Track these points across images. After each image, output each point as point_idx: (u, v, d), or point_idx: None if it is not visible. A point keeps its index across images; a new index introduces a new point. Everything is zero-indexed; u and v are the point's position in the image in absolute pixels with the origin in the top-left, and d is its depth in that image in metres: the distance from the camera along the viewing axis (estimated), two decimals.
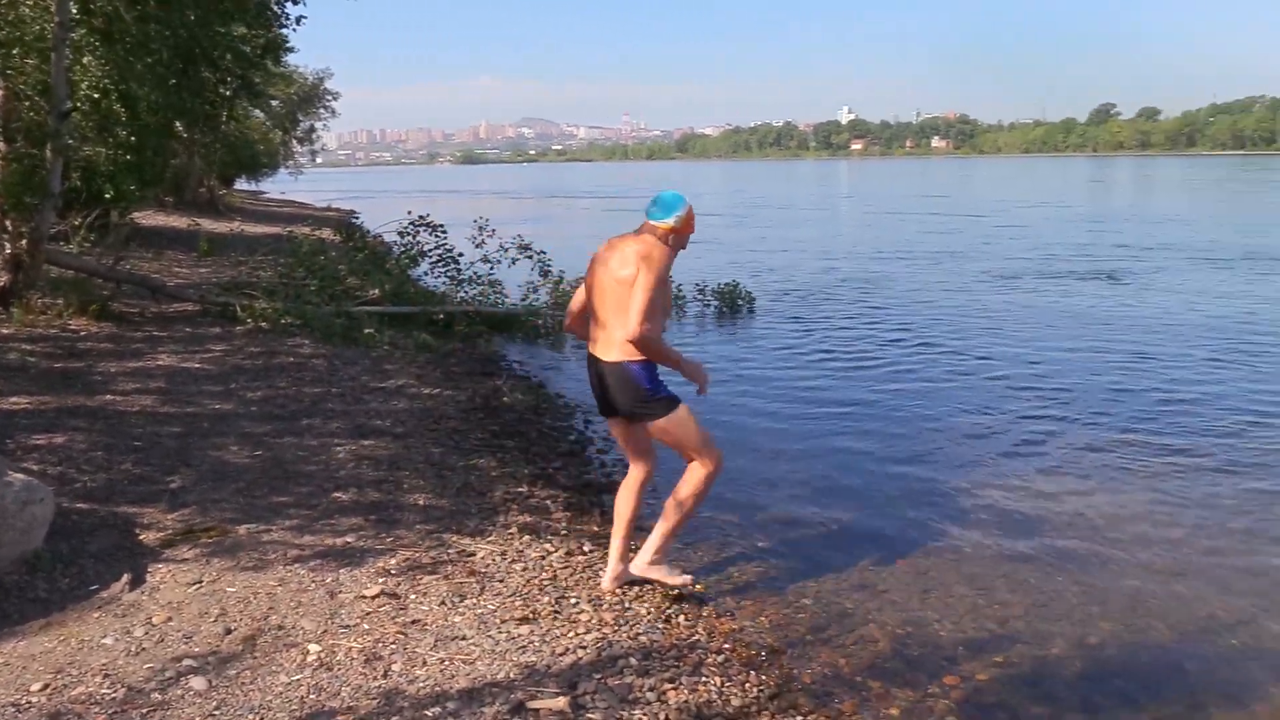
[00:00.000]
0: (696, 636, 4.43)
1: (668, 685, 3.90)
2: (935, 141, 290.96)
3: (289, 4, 15.92)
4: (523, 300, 13.28)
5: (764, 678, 4.14)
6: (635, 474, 4.85)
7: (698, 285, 14.68)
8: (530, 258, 13.71)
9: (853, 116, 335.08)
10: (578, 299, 4.79)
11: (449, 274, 13.30)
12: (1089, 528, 5.94)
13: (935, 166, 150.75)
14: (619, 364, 4.45)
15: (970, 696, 4.12)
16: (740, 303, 14.30)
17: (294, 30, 17.91)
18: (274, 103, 40.23)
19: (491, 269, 13.38)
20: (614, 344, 4.43)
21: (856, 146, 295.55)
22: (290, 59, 35.10)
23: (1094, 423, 8.16)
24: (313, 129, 48.25)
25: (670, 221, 4.49)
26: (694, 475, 4.66)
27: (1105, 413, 8.45)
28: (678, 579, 4.84)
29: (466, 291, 13.03)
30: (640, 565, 4.83)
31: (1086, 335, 12.16)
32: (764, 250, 23.98)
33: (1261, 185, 61.41)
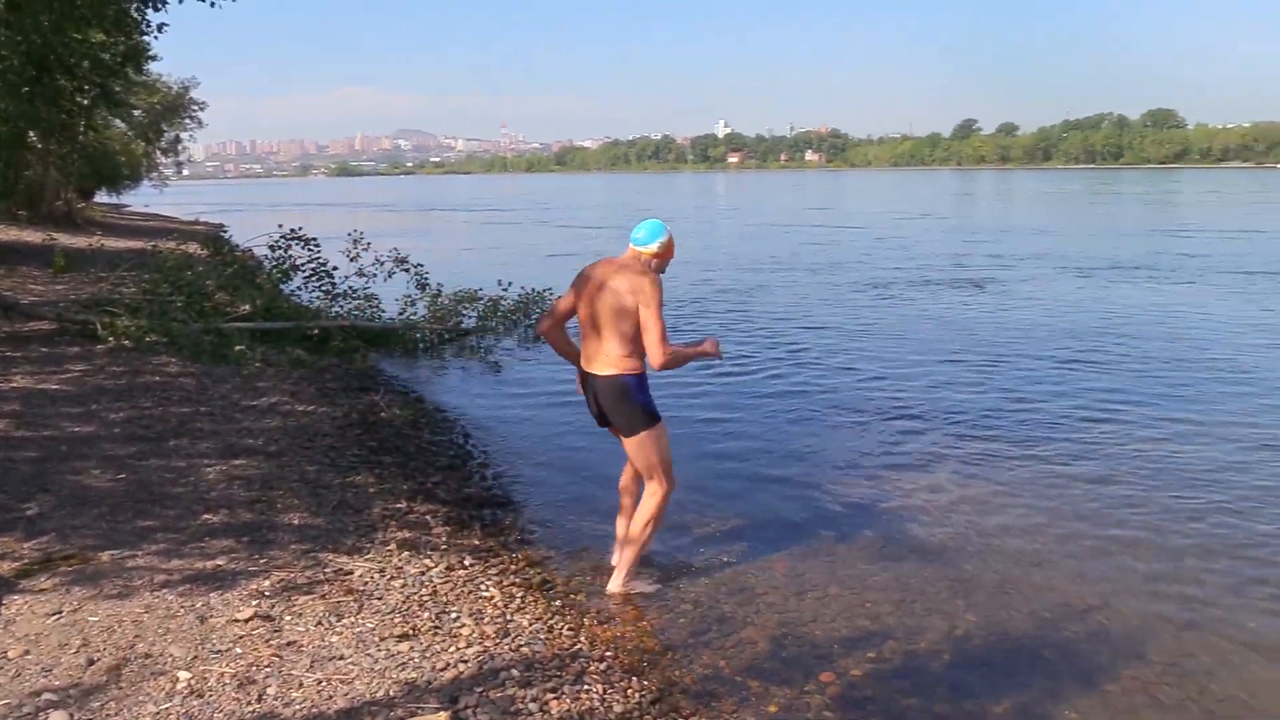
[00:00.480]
0: (579, 645, 4.45)
1: (550, 695, 3.91)
2: (809, 155, 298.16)
3: (150, 10, 15.43)
4: (400, 314, 13.09)
5: (646, 683, 4.19)
6: (634, 470, 5.34)
7: None
8: (407, 271, 13.52)
9: (729, 130, 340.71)
10: (560, 306, 5.12)
11: (323, 288, 13.02)
12: (954, 523, 6.18)
13: (810, 179, 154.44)
14: (614, 377, 4.88)
15: (845, 692, 4.25)
16: None
17: (156, 38, 17.36)
18: (136, 112, 38.76)
19: (367, 283, 13.15)
20: (609, 360, 4.86)
21: (733, 160, 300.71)
22: (153, 67, 33.87)
23: (956, 423, 8.50)
24: (178, 140, 46.61)
25: (654, 247, 4.99)
26: (650, 501, 5.11)
27: (966, 413, 8.81)
28: (651, 587, 5.24)
29: (342, 306, 12.77)
30: (617, 586, 5.18)
31: (951, 341, 12.64)
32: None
33: (1113, 198, 64.96)
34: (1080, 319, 14.31)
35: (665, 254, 5.04)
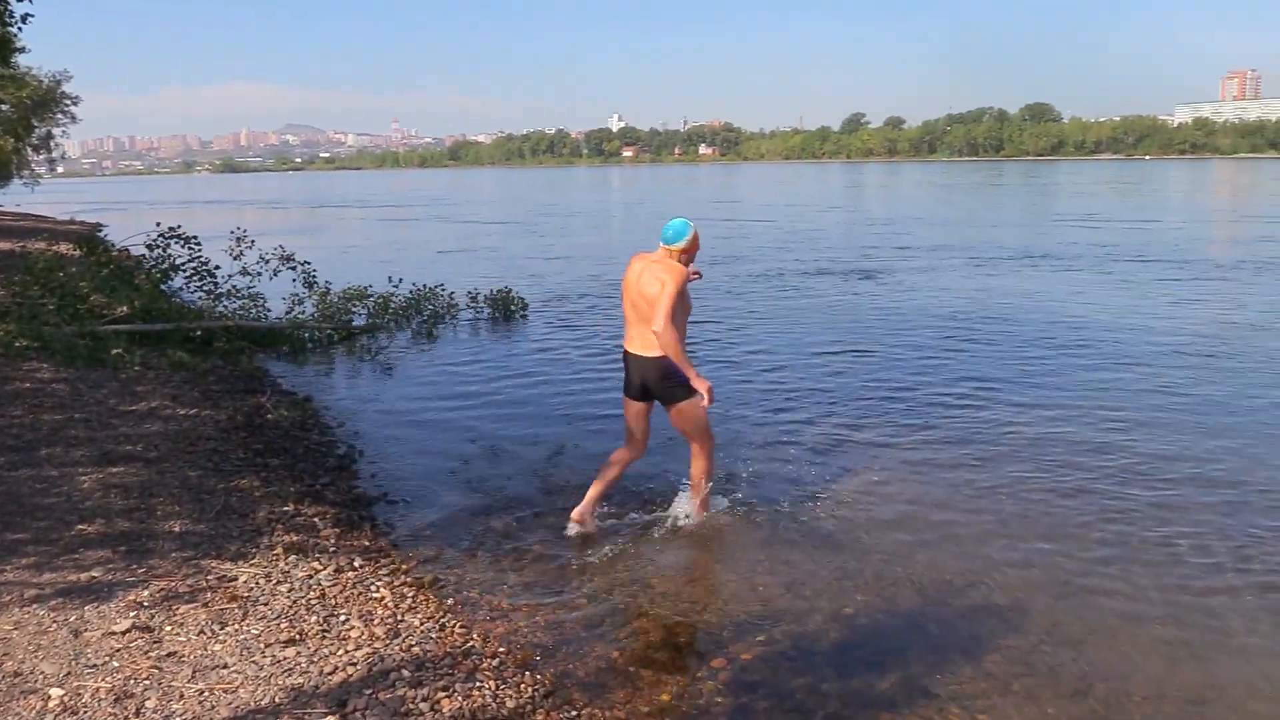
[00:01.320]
0: (471, 643, 4.42)
1: (441, 694, 3.87)
2: (702, 149, 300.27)
3: (15, 1, 14.71)
4: (287, 314, 12.77)
5: (539, 677, 4.19)
6: (627, 454, 6.06)
7: (470, 293, 14.56)
8: (294, 269, 13.20)
9: (623, 124, 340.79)
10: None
11: (205, 288, 12.61)
12: (841, 508, 6.32)
13: (704, 172, 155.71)
14: (657, 358, 5.68)
15: (736, 676, 4.31)
16: (513, 309, 14.31)
17: (20, 29, 16.55)
18: (3, 107, 36.93)
19: (252, 282, 12.79)
20: (651, 343, 5.65)
21: (628, 154, 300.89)
22: (22, 60, 32.32)
23: (842, 410, 8.68)
24: (50, 135, 44.60)
25: (681, 244, 5.74)
26: (700, 460, 5.99)
27: (852, 400, 9.02)
28: (725, 505, 6.29)
29: (226, 306, 12.40)
30: (695, 518, 6.04)
31: (841, 329, 12.90)
32: (550, 256, 24.02)
33: (997, 189, 67.13)
34: (964, 306, 14.75)
35: (691, 248, 5.78)
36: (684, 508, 6.12)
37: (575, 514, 5.96)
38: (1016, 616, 4.84)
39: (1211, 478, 6.76)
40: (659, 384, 5.78)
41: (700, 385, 5.64)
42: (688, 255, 5.78)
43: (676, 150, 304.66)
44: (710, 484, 6.14)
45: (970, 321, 13.34)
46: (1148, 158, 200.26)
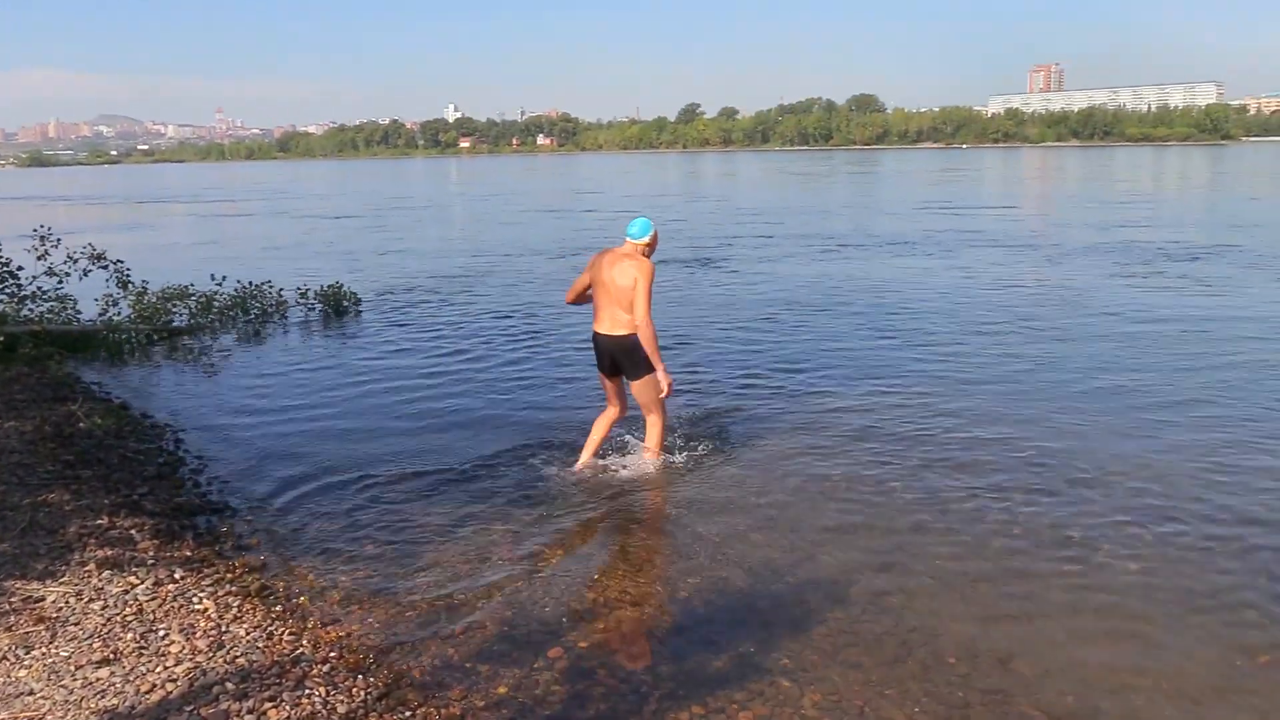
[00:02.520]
0: (300, 650, 4.29)
1: (268, 705, 3.75)
2: (540, 139, 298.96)
3: None
4: (101, 316, 12.05)
5: (372, 680, 4.10)
6: (611, 413, 7.01)
7: (299, 289, 14.09)
8: (106, 269, 12.46)
9: (460, 114, 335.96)
10: (578, 285, 6.86)
11: (7, 291, 11.76)
12: (675, 495, 6.45)
13: (543, 163, 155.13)
14: (626, 336, 6.54)
15: (573, 664, 4.33)
16: (345, 304, 13.92)
17: None
18: None
19: (60, 284, 12.01)
20: (621, 324, 6.54)
21: (465, 145, 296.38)
22: None
23: (673, 399, 8.83)
24: None
25: (646, 239, 6.61)
26: (654, 429, 6.90)
27: (683, 389, 9.18)
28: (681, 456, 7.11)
29: (31, 309, 11.60)
30: (656, 464, 6.90)
31: (677, 318, 13.11)
32: (386, 251, 23.40)
33: (830, 177, 69.42)
34: (801, 292, 15.22)
35: (653, 243, 6.66)
36: (641, 468, 6.88)
37: (576, 469, 6.85)
38: (841, 590, 5.04)
39: (1024, 455, 7.15)
40: (625, 359, 6.63)
41: (663, 378, 6.56)
42: (650, 249, 6.65)
43: (514, 141, 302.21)
44: (663, 449, 7.03)
45: (807, 307, 13.77)
46: (965, 146, 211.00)
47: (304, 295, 13.98)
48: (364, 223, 33.76)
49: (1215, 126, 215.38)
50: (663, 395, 6.64)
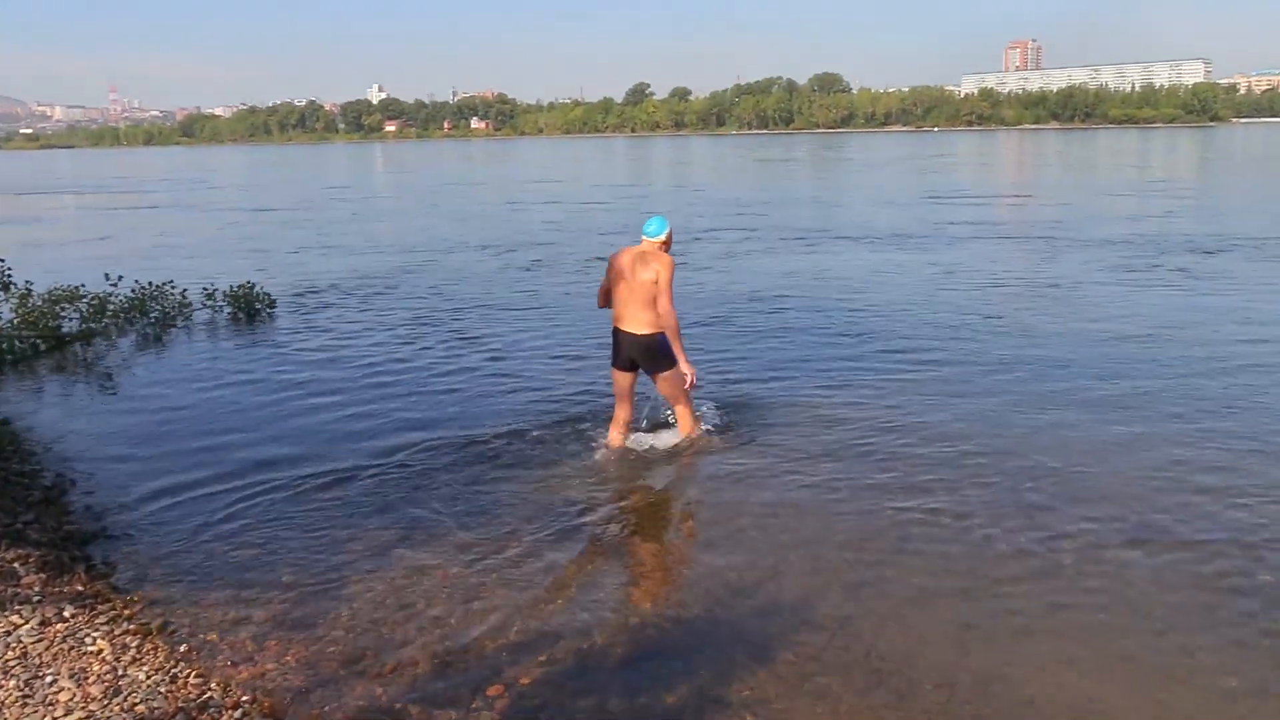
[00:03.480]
0: (209, 693, 4.22)
1: None
2: (475, 123, 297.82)
3: None
4: None
5: None
6: (622, 416, 7.67)
7: (206, 289, 13.87)
8: None
9: (385, 95, 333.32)
10: (604, 285, 7.52)
11: None
12: (620, 513, 6.46)
13: (478, 149, 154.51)
14: (652, 335, 7.26)
15: (515, 703, 4.30)
16: (257, 306, 13.75)
17: None
18: None
19: None
20: (644, 322, 7.25)
21: (390, 128, 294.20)
22: None
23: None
24: None
25: (663, 237, 7.33)
26: (684, 418, 7.71)
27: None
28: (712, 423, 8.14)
29: None
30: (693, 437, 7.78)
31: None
32: (303, 247, 23.16)
33: (797, 164, 69.98)
34: (768, 289, 15.33)
35: (669, 240, 7.40)
36: (682, 444, 7.70)
37: (608, 451, 7.60)
38: (808, 614, 5.06)
39: (1007, 470, 7.25)
40: (646, 359, 7.36)
41: (686, 369, 7.26)
42: (667, 246, 7.37)
43: (446, 124, 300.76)
44: (698, 430, 7.85)
45: (772, 306, 13.86)
46: (936, 129, 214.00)
47: (210, 296, 13.78)
48: (280, 216, 33.38)
49: (1203, 107, 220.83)
50: (686, 388, 7.40)
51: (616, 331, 7.46)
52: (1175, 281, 15.26)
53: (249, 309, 13.65)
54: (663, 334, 7.25)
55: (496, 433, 8.07)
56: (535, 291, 15.64)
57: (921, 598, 5.23)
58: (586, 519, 6.32)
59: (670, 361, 7.30)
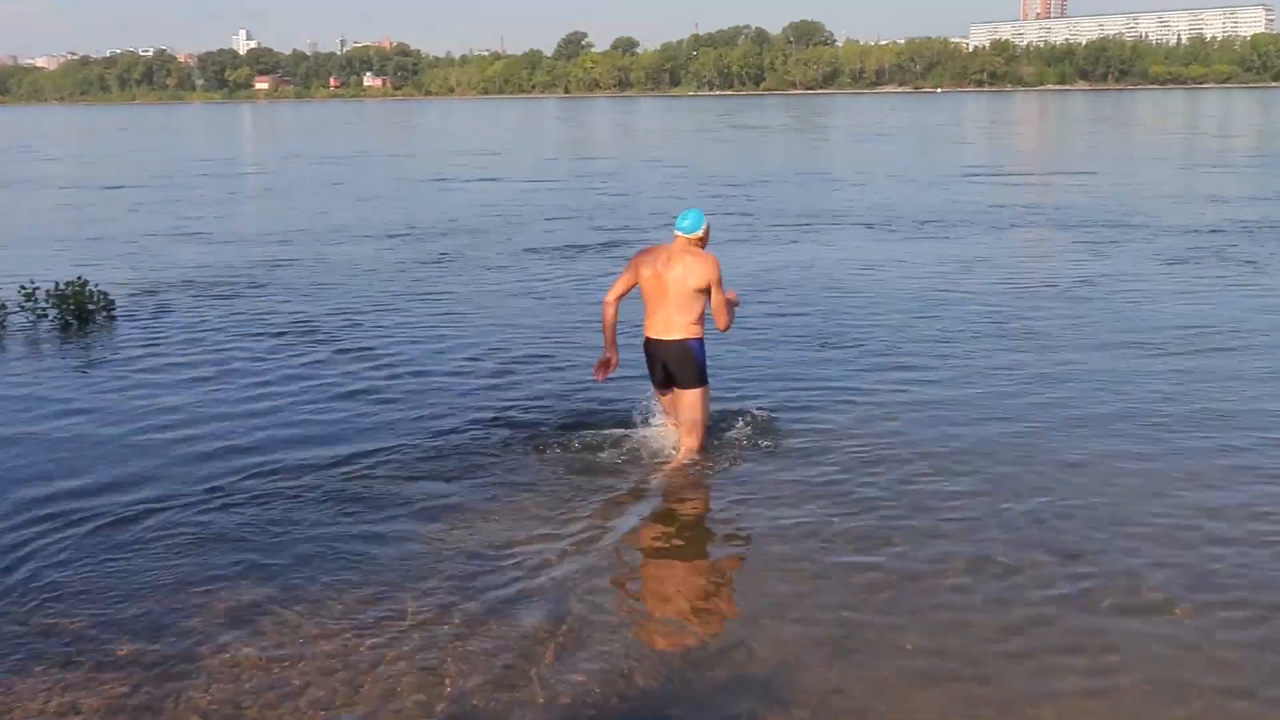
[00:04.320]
0: None
1: None
2: (369, 79, 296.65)
3: None
4: None
5: None
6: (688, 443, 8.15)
7: (24, 288, 13.65)
8: None
9: (254, 44, 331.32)
10: (621, 286, 8.09)
11: None
12: (539, 565, 6.43)
13: (372, 111, 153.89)
14: (684, 341, 7.86)
15: None
16: (91, 308, 13.55)
17: None
18: None
19: None
20: (680, 328, 7.83)
21: (262, 85, 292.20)
22: None
23: (503, 423, 9.01)
24: None
25: (699, 233, 7.91)
26: (690, 441, 8.09)
27: (517, 404, 9.35)
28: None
29: None
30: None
31: (524, 323, 13.37)
32: (169, 235, 22.90)
33: (775, 133, 70.41)
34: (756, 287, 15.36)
35: (707, 236, 7.98)
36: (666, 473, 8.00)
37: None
38: (784, 685, 5.08)
39: (1023, 504, 7.35)
40: (679, 367, 7.92)
41: (732, 293, 8.14)
42: (703, 242, 7.95)
43: (332, 81, 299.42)
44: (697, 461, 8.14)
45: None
46: (940, 91, 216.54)
47: (30, 297, 13.55)
48: (128, 196, 33.00)
49: (1265, 64, 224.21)
50: (734, 302, 8.18)
51: (649, 343, 8.05)
52: (1247, 279, 15.60)
53: (80, 313, 13.45)
54: (698, 340, 7.88)
55: (379, 467, 8.08)
56: (446, 291, 15.67)
57: (924, 672, 5.24)
58: (504, 573, 6.29)
59: (702, 378, 7.97)
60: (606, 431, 8.66)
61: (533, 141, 64.65)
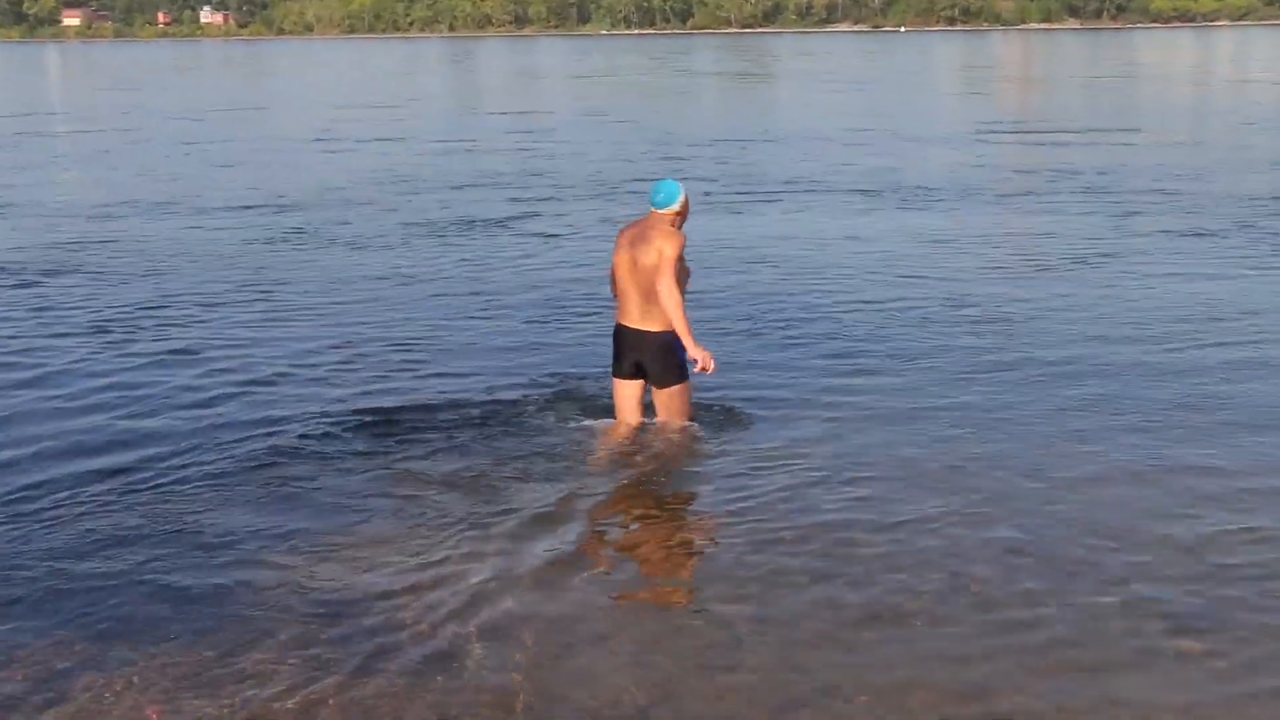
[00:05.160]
0: None
1: None
2: (206, 14, 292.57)
3: None
4: None
5: None
6: (622, 432, 8.69)
7: None
8: None
9: None
10: (613, 273, 8.50)
11: None
12: (480, 595, 6.46)
13: (227, 55, 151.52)
14: (660, 333, 8.21)
15: None
16: None
17: None
18: None
19: None
20: (654, 318, 8.18)
21: (72, 20, 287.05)
22: None
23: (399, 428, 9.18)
24: None
25: (674, 208, 8.24)
26: (677, 440, 8.61)
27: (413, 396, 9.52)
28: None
29: None
30: None
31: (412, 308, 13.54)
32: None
33: (717, 80, 70.46)
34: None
35: (684, 211, 8.30)
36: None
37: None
38: None
39: (1025, 529, 7.50)
40: (654, 362, 8.36)
41: (700, 354, 8.14)
42: (681, 219, 8.28)
43: (161, 17, 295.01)
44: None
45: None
46: (903, 30, 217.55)
47: None
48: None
49: None
50: (707, 370, 8.22)
51: (619, 329, 8.46)
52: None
53: None
54: (672, 333, 8.16)
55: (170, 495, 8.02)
56: (298, 276, 15.61)
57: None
58: (405, 615, 6.31)
59: (682, 374, 8.41)
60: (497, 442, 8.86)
61: (427, 91, 63.96)
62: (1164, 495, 7.81)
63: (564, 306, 13.37)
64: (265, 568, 6.86)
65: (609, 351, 8.72)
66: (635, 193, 21.89)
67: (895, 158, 28.46)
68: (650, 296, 8.07)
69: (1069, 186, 22.85)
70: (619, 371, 8.56)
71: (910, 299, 13.55)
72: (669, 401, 8.48)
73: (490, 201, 22.38)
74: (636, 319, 8.23)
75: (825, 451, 8.67)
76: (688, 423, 8.71)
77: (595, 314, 12.45)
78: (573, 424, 9.05)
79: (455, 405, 9.65)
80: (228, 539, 7.26)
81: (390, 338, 12.12)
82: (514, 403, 9.66)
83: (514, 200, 22.36)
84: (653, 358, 8.29)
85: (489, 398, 9.84)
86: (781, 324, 12.50)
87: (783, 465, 8.38)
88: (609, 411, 8.98)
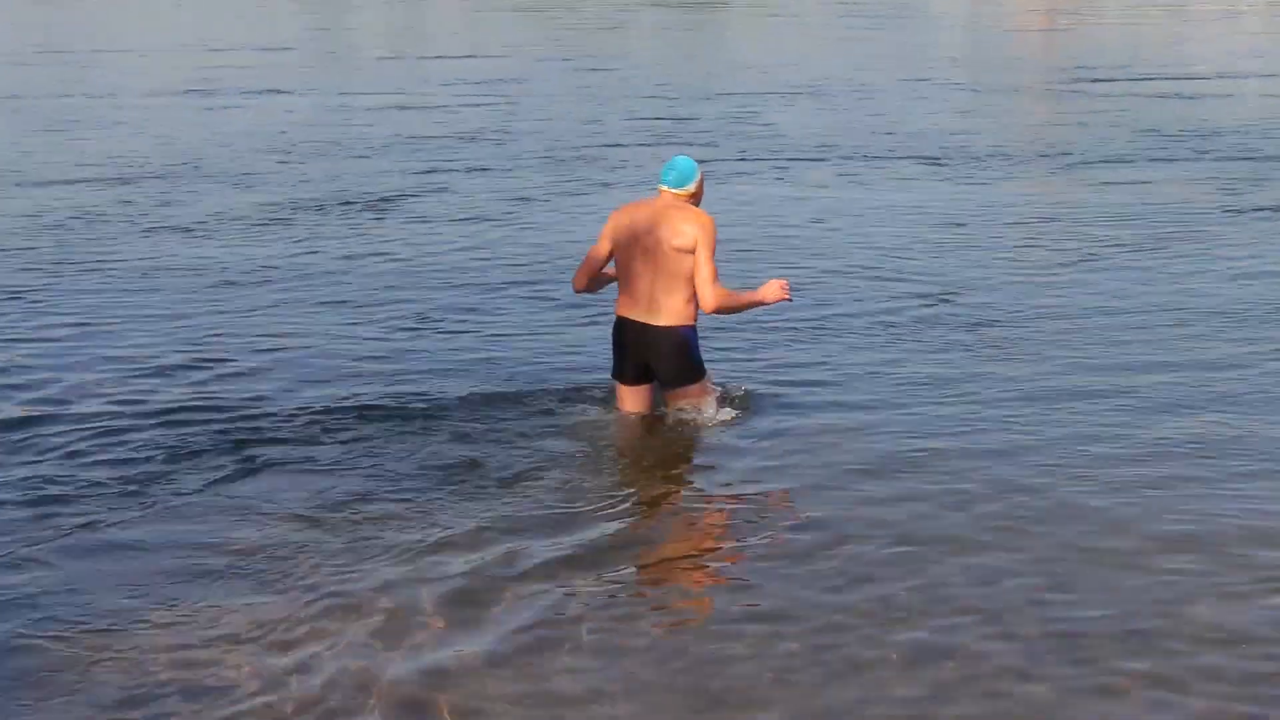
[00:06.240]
0: None
1: None
2: None
3: None
4: None
5: None
6: (630, 425, 8.33)
7: None
8: None
9: None
10: (597, 254, 8.05)
11: None
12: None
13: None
14: (673, 329, 7.79)
15: None
16: None
17: None
18: None
19: None
20: (668, 311, 7.77)
21: None
22: None
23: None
24: None
25: (691, 188, 7.84)
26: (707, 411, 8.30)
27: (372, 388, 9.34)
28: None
29: None
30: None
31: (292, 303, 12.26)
32: None
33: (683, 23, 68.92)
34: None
35: (700, 192, 7.93)
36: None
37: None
38: None
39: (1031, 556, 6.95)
40: (670, 360, 7.92)
41: (770, 292, 7.98)
42: (696, 200, 7.93)
43: None
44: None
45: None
46: None
47: None
48: None
49: None
50: (786, 298, 8.05)
51: (622, 324, 7.97)
52: None
53: None
54: (690, 328, 7.88)
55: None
56: (112, 262, 13.97)
57: None
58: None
59: (698, 373, 8.06)
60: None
61: (329, 28, 54.68)
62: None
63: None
64: None
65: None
66: (599, 161, 21.00)
67: (959, 116, 26.71)
68: (670, 286, 7.69)
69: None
70: (622, 375, 8.13)
71: (916, 279, 12.98)
72: (693, 399, 8.11)
73: (404, 169, 20.22)
74: (643, 312, 7.80)
75: (857, 446, 8.36)
76: (710, 411, 8.27)
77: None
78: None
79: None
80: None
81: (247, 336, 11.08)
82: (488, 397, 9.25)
83: (432, 169, 20.19)
84: (665, 359, 7.90)
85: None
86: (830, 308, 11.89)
87: (814, 456, 8.21)
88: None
